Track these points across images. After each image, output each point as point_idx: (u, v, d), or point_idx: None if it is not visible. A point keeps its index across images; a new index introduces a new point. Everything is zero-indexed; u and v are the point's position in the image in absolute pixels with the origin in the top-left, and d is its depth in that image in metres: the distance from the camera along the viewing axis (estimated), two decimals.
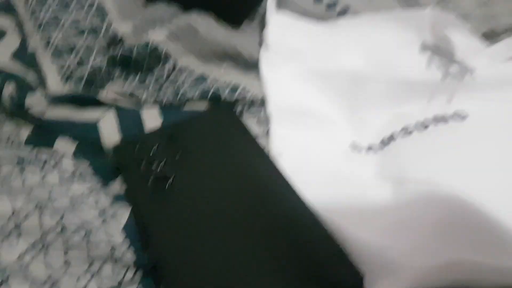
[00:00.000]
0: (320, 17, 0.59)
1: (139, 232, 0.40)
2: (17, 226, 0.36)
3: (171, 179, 0.43)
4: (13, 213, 0.37)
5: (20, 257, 0.35)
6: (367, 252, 0.37)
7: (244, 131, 0.47)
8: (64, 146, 0.47)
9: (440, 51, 0.52)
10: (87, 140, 0.48)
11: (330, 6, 0.60)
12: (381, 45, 0.56)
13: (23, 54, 0.54)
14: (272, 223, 0.38)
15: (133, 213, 0.42)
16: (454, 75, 0.49)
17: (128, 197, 0.43)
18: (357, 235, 0.38)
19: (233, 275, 0.35)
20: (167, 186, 0.43)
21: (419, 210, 0.40)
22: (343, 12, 0.59)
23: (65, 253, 0.36)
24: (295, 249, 0.36)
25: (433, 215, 0.39)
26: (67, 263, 0.36)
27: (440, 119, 0.46)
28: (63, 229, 0.38)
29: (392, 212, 0.41)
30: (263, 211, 0.39)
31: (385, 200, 0.42)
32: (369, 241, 0.38)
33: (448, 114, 0.46)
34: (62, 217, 0.38)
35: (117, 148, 0.48)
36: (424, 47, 0.55)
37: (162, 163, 0.45)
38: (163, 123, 0.50)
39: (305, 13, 0.60)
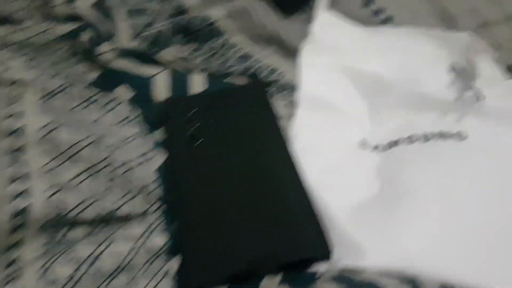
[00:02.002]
0: (364, 21, 0.65)
1: (168, 174, 0.50)
2: (75, 154, 0.46)
3: (201, 139, 0.52)
4: (74, 143, 0.46)
5: (73, 178, 0.44)
6: (342, 232, 0.45)
7: (269, 110, 0.55)
8: (123, 93, 0.55)
9: (464, 75, 0.57)
10: (141, 92, 0.56)
11: (376, 13, 0.65)
12: (414, 58, 0.61)
13: (102, 7, 0.62)
14: (268, 189, 0.47)
15: (167, 159, 0.51)
16: (468, 99, 0.53)
17: (166, 145, 0.52)
18: (338, 215, 0.46)
19: (229, 224, 0.44)
20: (196, 144, 0.52)
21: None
22: (386, 21, 0.64)
23: (109, 181, 0.46)
24: (280, 215, 0.45)
25: None
26: (109, 189, 0.45)
27: (442, 135, 0.51)
28: (110, 162, 0.47)
29: (372, 207, 0.47)
30: (263, 178, 0.48)
31: (371, 195, 0.49)
32: (346, 224, 0.46)
33: (451, 133, 0.51)
34: (111, 153, 0.48)
35: (165, 103, 0.56)
36: (452, 69, 0.60)
37: (197, 125, 0.53)
38: (206, 90, 0.58)
39: (351, 15, 0.65)
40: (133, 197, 0.47)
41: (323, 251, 0.42)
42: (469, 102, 0.53)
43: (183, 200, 0.47)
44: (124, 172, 0.47)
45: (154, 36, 0.60)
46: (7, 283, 0.37)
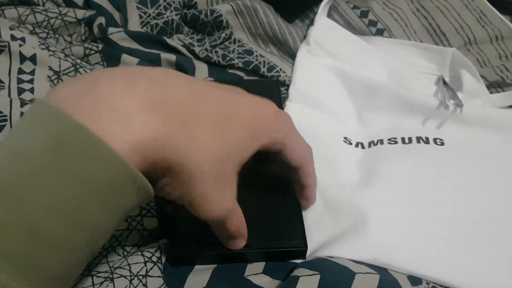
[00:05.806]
0: (360, 30, 0.69)
1: None
2: None
3: None
4: None
5: None
6: (318, 218, 0.47)
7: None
8: (128, 60, 0.57)
9: (448, 87, 0.61)
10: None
11: (371, 23, 0.69)
12: (404, 66, 0.65)
13: None
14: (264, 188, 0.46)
15: None
16: (449, 107, 0.57)
17: None
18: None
19: None
20: None
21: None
22: (381, 32, 0.69)
23: None
24: (270, 210, 0.45)
25: None
26: None
27: (423, 140, 0.55)
28: None
29: (348, 194, 0.49)
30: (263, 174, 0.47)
31: (351, 184, 0.51)
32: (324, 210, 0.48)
33: (432, 137, 0.55)
34: None
35: None
36: (438, 80, 0.64)
37: None
38: (210, 78, 0.60)
39: (348, 24, 0.70)
40: None
41: (302, 245, 0.43)
42: (450, 110, 0.56)
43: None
44: None
45: (163, 24, 0.63)
46: None
